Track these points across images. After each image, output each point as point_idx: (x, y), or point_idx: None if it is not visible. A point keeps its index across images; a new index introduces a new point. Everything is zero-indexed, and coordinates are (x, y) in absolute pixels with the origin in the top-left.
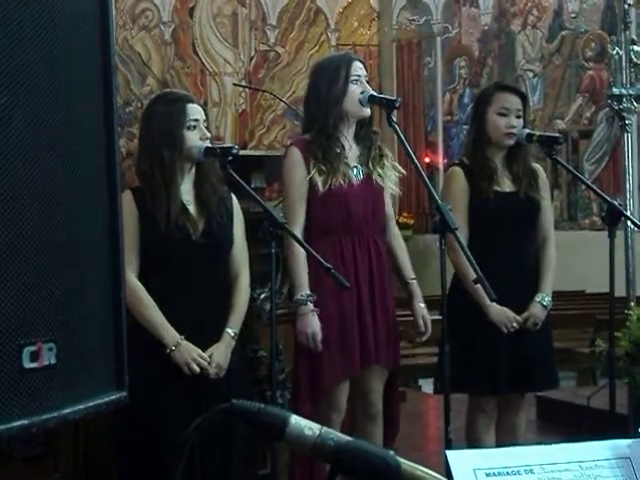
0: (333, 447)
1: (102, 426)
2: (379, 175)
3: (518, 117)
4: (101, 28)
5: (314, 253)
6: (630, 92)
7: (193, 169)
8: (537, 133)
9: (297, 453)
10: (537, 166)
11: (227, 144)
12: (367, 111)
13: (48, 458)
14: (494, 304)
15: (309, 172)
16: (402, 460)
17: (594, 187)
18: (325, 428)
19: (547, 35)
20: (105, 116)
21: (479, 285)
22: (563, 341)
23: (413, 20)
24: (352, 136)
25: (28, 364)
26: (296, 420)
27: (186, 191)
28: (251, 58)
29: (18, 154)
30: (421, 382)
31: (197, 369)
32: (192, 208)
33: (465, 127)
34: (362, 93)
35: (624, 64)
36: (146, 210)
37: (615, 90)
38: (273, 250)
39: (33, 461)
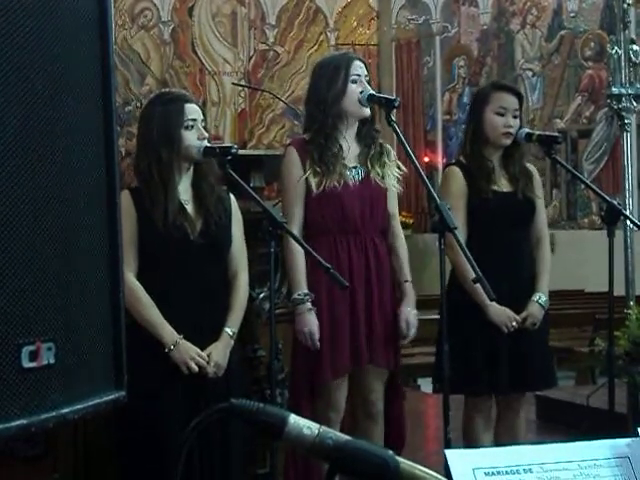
0: (332, 446)
1: (101, 425)
2: (377, 174)
3: (515, 117)
4: (100, 27)
5: (313, 252)
6: (629, 91)
7: (191, 169)
8: (536, 132)
9: (291, 453)
10: (531, 166)
11: (226, 143)
12: (367, 111)
13: (47, 457)
14: (494, 303)
15: (305, 172)
16: (401, 459)
17: (593, 186)
18: (324, 427)
19: (546, 34)
20: (104, 115)
21: (478, 284)
22: (562, 340)
23: (412, 19)
24: (353, 136)
25: (27, 364)
26: (295, 420)
27: (184, 190)
28: (250, 57)
29: (16, 153)
30: (420, 381)
31: (196, 368)
32: (190, 207)
33: (466, 123)
34: (362, 92)
35: (623, 63)
36: (144, 210)
37: (614, 89)
38: (272, 250)
39: (32, 460)
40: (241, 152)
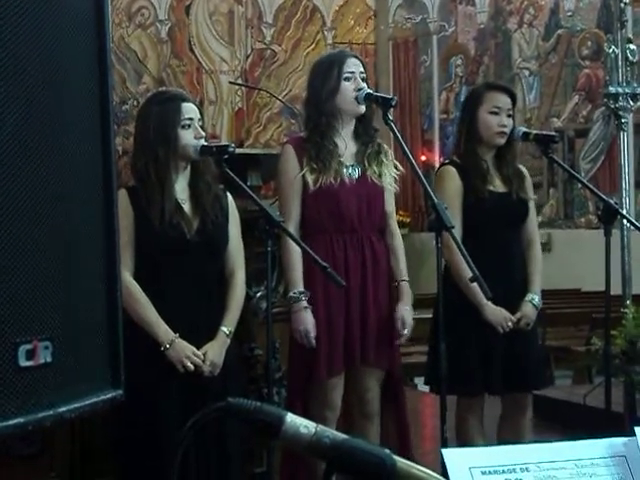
0: (329, 445)
1: (98, 424)
2: (374, 172)
3: (509, 116)
4: (97, 26)
5: (310, 251)
6: (626, 90)
7: (188, 168)
8: (533, 132)
9: (287, 452)
10: (523, 167)
11: (223, 142)
12: (362, 108)
13: (44, 456)
14: (489, 303)
15: (302, 170)
16: (398, 458)
17: (590, 186)
18: (321, 426)
19: (543, 33)
20: (101, 114)
21: (475, 283)
22: (559, 339)
23: (409, 18)
24: (350, 134)
25: (24, 362)
26: (292, 419)
27: (181, 189)
28: (247, 56)
29: (13, 151)
30: (417, 380)
31: (191, 367)
32: (187, 206)
33: (459, 123)
34: (358, 90)
35: (620, 62)
36: (141, 209)
37: (611, 89)
38: (269, 248)
39: (29, 459)
40: (238, 151)
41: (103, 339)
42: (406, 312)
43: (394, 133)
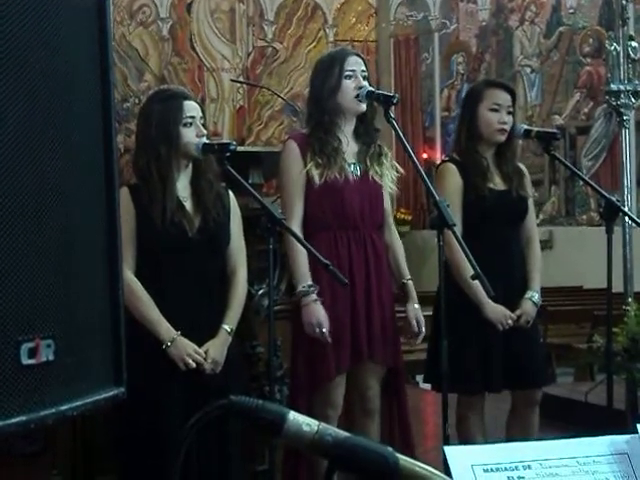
0: (331, 443)
1: (100, 422)
2: (376, 172)
3: (509, 113)
4: (99, 24)
5: (312, 249)
6: (628, 88)
7: (190, 166)
8: (535, 129)
9: (290, 450)
10: (522, 165)
11: (225, 140)
12: (363, 106)
13: (46, 454)
14: (489, 301)
15: (306, 166)
16: (400, 456)
17: (592, 183)
18: (323, 424)
19: (545, 31)
20: (103, 112)
21: (477, 281)
22: (561, 337)
23: (411, 16)
24: (351, 132)
25: (26, 360)
26: (294, 416)
27: (183, 187)
28: (249, 54)
29: (14, 151)
30: (419, 378)
31: (193, 364)
32: (188, 204)
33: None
34: (359, 88)
35: (622, 60)
36: (143, 207)
37: (613, 86)
38: (271, 246)
39: (31, 457)
40: (239, 149)
41: (105, 337)
42: (419, 311)
43: (396, 131)
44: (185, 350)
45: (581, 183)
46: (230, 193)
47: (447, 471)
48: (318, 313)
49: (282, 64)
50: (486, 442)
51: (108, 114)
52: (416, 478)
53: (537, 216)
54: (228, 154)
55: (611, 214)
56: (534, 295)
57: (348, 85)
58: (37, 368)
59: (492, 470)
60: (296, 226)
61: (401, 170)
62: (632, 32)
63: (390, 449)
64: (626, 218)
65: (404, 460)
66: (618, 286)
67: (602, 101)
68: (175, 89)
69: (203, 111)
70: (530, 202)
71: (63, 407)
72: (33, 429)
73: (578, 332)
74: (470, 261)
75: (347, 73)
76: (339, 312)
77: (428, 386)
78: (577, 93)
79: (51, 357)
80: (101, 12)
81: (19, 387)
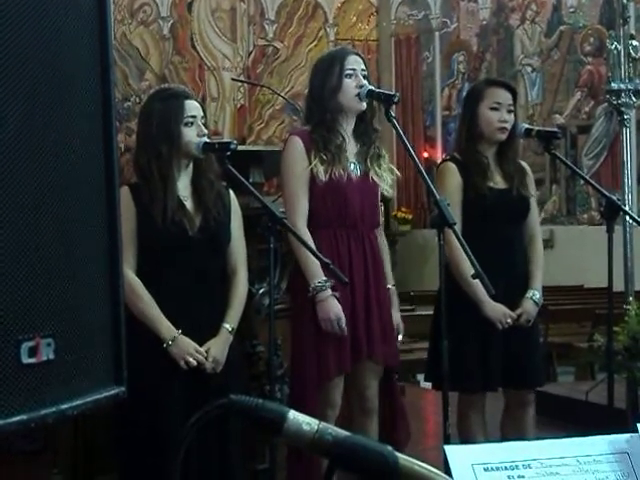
0: (331, 442)
1: (101, 421)
2: (376, 174)
3: (509, 112)
4: (99, 23)
5: (313, 248)
6: (628, 87)
7: (190, 165)
8: (536, 128)
9: (294, 448)
10: (524, 164)
11: (225, 139)
12: (364, 105)
13: (47, 453)
14: (489, 300)
15: (310, 162)
16: (400, 455)
17: (593, 182)
18: (323, 423)
19: (546, 30)
20: (103, 111)
21: (477, 280)
22: (561, 336)
23: (412, 15)
24: (350, 132)
25: (26, 359)
26: (294, 415)
27: (183, 187)
28: (249, 53)
29: (15, 150)
30: (419, 377)
31: (194, 363)
32: (189, 204)
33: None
34: (360, 87)
35: (622, 59)
36: (143, 206)
37: (613, 85)
38: (272, 245)
39: (32, 456)
40: (240, 148)
41: (106, 336)
42: (399, 319)
43: (396, 130)
44: (186, 349)
45: (582, 182)
46: (231, 192)
47: (447, 470)
48: (335, 308)
49: (283, 63)
50: (487, 441)
51: (109, 113)
52: (416, 477)
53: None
54: (229, 153)
55: (612, 213)
56: (535, 294)
57: (349, 84)
58: (37, 367)
59: (492, 469)
60: (302, 223)
61: (397, 173)
62: (633, 31)
63: (390, 448)
64: (627, 217)
65: (404, 459)
66: (619, 285)
67: (603, 100)
68: (176, 88)
69: (204, 110)
70: (532, 201)
71: (63, 406)
72: (33, 428)
73: (579, 331)
74: (470, 260)
75: (347, 72)
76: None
77: (429, 385)
78: (578, 92)
79: (51, 356)
80: (102, 11)
81: (19, 386)
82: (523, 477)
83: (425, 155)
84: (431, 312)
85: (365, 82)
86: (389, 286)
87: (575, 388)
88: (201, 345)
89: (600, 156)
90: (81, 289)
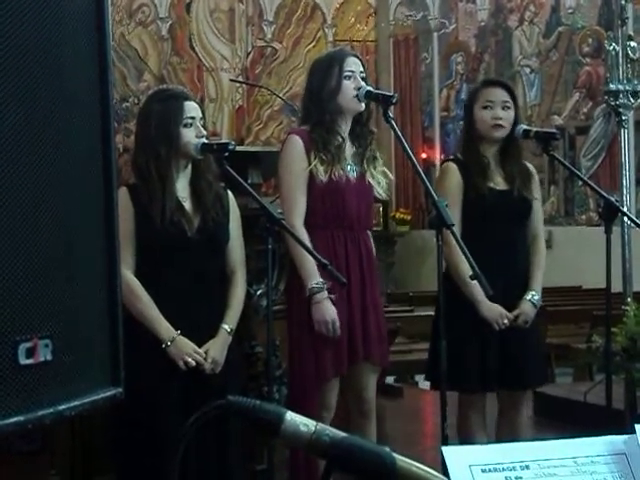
0: (329, 443)
1: (98, 422)
2: (372, 176)
3: (505, 108)
4: (97, 24)
5: (310, 249)
6: (627, 88)
7: (189, 166)
8: (534, 129)
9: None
10: (531, 166)
11: (224, 140)
12: (362, 106)
13: (44, 454)
14: (486, 300)
15: (309, 163)
16: (398, 456)
17: (591, 183)
18: (320, 424)
19: (544, 31)
20: (101, 112)
21: (475, 281)
22: (560, 337)
23: (410, 16)
24: (347, 134)
25: (24, 360)
26: (291, 417)
27: (182, 188)
28: (248, 54)
29: (13, 151)
30: (417, 378)
31: (193, 363)
32: (188, 204)
33: (462, 123)
34: (358, 89)
35: (621, 60)
36: (142, 206)
37: (612, 86)
38: (270, 246)
39: (30, 456)
40: (238, 149)
41: (103, 337)
42: None
43: (395, 131)
44: (185, 350)
45: (580, 183)
46: (229, 193)
47: (445, 471)
48: (331, 311)
49: (281, 64)
50: (488, 441)
51: (107, 114)
52: (413, 478)
53: None
54: (227, 154)
55: (610, 214)
56: (534, 295)
57: (348, 86)
58: (35, 368)
59: (490, 470)
60: (300, 223)
61: (391, 176)
62: (631, 32)
63: (387, 449)
64: (625, 218)
65: (401, 460)
66: (617, 286)
67: (601, 101)
68: (175, 89)
69: (203, 112)
70: (536, 203)
71: (61, 407)
72: (31, 429)
73: (577, 332)
74: (469, 261)
75: (346, 74)
76: (337, 312)
77: (427, 386)
78: (576, 93)
79: (49, 357)
80: (100, 12)
81: (17, 387)
82: (521, 478)
83: (423, 156)
84: (429, 313)
85: (363, 83)
86: None
87: (573, 389)
88: (200, 346)
89: (598, 157)
90: (79, 290)
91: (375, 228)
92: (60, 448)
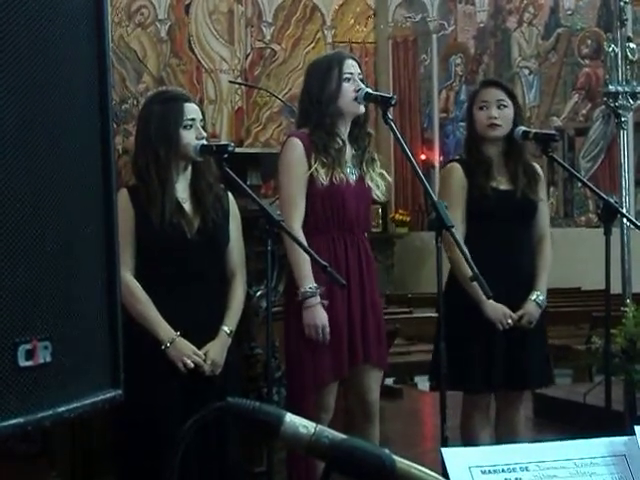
0: (328, 445)
1: (98, 424)
2: (371, 179)
3: (501, 107)
4: (96, 25)
5: (310, 251)
6: (626, 89)
7: (189, 167)
8: (533, 130)
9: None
10: (538, 167)
11: (223, 142)
12: (362, 108)
13: (44, 456)
14: (490, 300)
15: (310, 166)
16: (397, 458)
17: (590, 184)
18: (320, 426)
19: (543, 32)
20: (101, 114)
21: (475, 283)
22: (559, 338)
23: (409, 17)
24: (346, 136)
25: (23, 362)
26: (291, 418)
27: (182, 189)
28: (247, 55)
29: (12, 152)
30: (417, 379)
31: (192, 365)
32: (187, 206)
33: (461, 124)
34: (357, 91)
35: (620, 61)
36: (142, 208)
37: (611, 87)
38: (269, 248)
39: (30, 458)
40: (238, 150)
41: (103, 339)
42: None
43: (394, 132)
44: (184, 351)
45: (579, 184)
46: (229, 195)
47: (445, 473)
48: (322, 316)
49: (280, 65)
50: (492, 441)
51: (106, 115)
52: None
53: None
54: (226, 155)
55: (609, 215)
56: (539, 296)
57: (347, 88)
58: (34, 370)
59: (490, 472)
60: (299, 225)
61: (389, 178)
62: (630, 33)
63: (387, 451)
64: (624, 219)
65: (401, 462)
66: (616, 287)
67: (600, 102)
68: (175, 91)
69: (203, 113)
70: (541, 204)
71: (60, 409)
72: (30, 431)
73: (576, 333)
74: (468, 262)
75: (346, 76)
76: (336, 314)
77: (426, 387)
78: (575, 94)
79: (48, 359)
80: (99, 13)
81: (16, 389)
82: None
83: (422, 157)
84: (428, 314)
85: (362, 85)
86: None
87: (573, 390)
88: (200, 347)
89: (597, 158)
90: (78, 291)
91: (374, 230)
92: (60, 450)
